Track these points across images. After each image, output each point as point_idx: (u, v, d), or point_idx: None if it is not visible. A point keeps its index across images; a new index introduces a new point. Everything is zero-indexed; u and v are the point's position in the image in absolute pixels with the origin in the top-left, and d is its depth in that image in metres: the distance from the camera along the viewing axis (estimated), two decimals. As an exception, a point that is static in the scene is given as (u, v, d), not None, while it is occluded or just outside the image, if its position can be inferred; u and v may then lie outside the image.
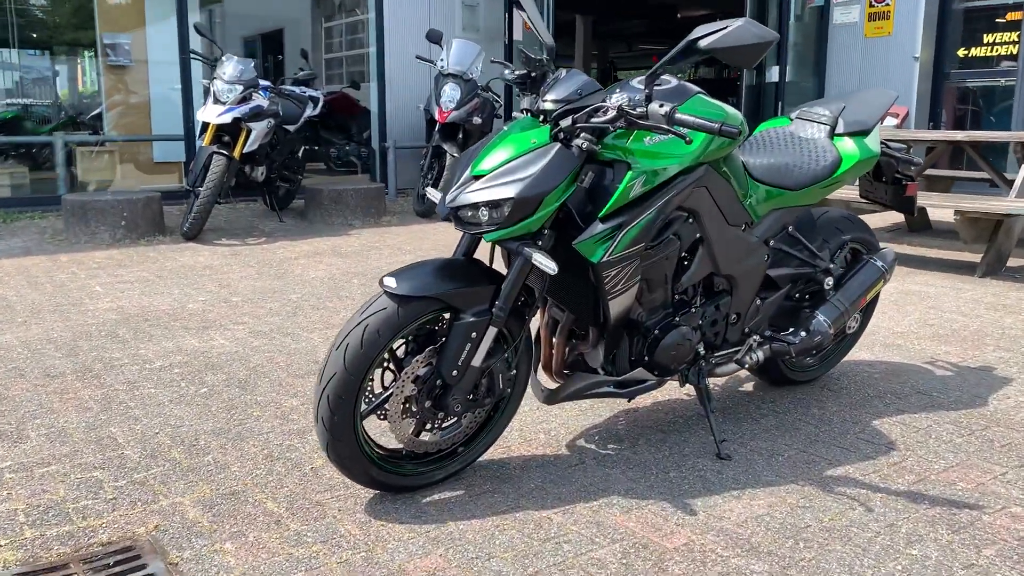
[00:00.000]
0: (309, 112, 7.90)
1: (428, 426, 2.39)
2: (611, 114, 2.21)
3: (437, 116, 7.68)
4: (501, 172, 2.23)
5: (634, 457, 2.70)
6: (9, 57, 8.93)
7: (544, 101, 2.32)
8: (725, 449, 2.75)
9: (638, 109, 2.19)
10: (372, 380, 2.29)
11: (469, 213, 2.23)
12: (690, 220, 2.53)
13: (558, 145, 2.24)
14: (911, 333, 4.09)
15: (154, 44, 8.76)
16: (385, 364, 2.31)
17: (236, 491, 2.47)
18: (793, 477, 2.57)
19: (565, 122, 2.25)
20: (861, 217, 3.46)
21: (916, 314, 4.46)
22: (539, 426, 2.93)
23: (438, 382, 2.32)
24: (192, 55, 6.95)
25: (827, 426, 2.95)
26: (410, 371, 2.28)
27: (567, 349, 2.64)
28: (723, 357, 2.82)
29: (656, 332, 2.56)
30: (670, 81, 2.47)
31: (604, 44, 24.08)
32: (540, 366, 2.69)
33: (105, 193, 6.86)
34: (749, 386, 3.34)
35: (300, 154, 8.08)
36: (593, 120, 2.21)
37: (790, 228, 2.88)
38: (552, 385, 2.66)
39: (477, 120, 7.85)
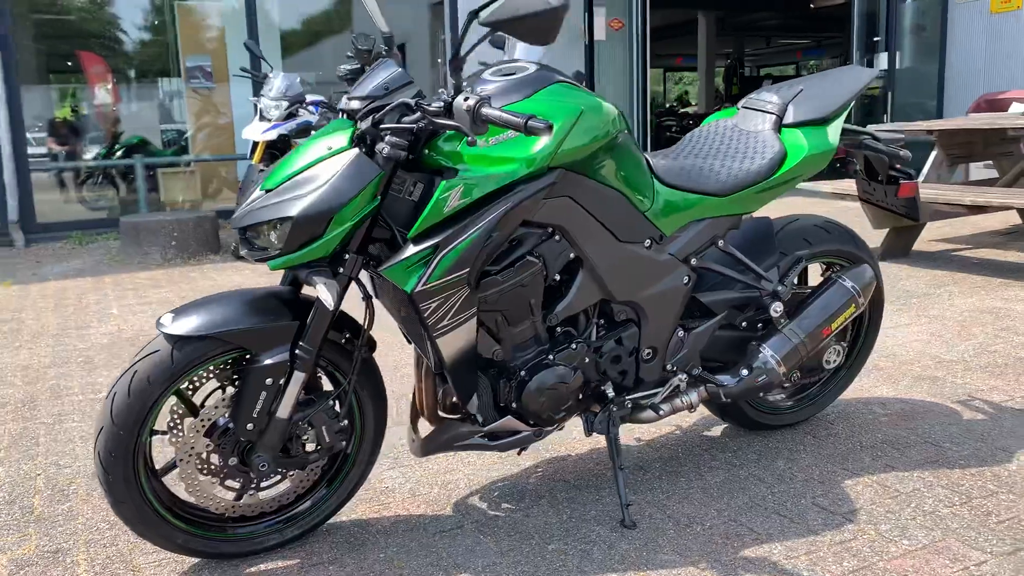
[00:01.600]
0: None
1: (238, 485, 2.04)
2: (416, 114, 1.81)
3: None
4: (287, 186, 1.87)
5: (523, 521, 2.26)
6: (138, 85, 9.30)
7: (349, 100, 1.94)
8: (633, 514, 2.26)
9: (434, 104, 1.78)
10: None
11: (253, 235, 1.88)
12: (556, 238, 2.06)
13: (355, 152, 1.86)
14: (959, 362, 3.38)
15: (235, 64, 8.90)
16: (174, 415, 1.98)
17: (61, 549, 2.21)
18: (698, 556, 2.05)
19: (365, 123, 1.87)
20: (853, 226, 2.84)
21: (980, 338, 3.71)
22: (438, 478, 2.53)
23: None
24: (242, 71, 6.93)
25: (784, 485, 2.39)
26: (198, 423, 1.95)
27: (439, 392, 2.22)
28: (639, 401, 2.32)
29: (522, 374, 2.11)
30: (527, 68, 2.03)
31: (738, 41, 23.01)
32: (418, 410, 2.29)
33: (159, 214, 6.94)
34: (718, 430, 2.80)
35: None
36: (405, 120, 1.82)
37: (720, 242, 2.34)
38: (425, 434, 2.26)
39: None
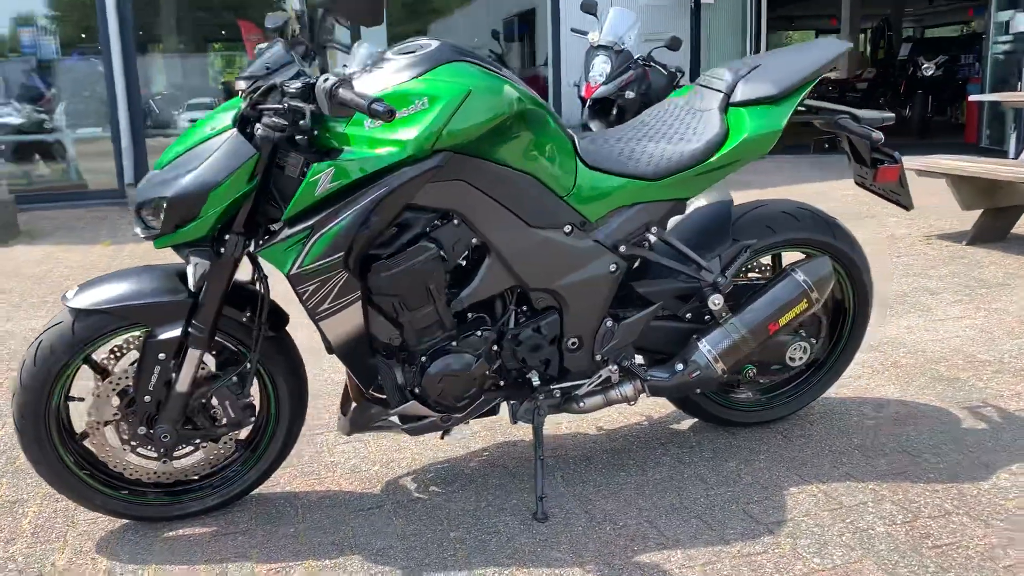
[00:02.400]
0: None
1: (151, 453, 2.12)
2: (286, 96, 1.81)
3: (583, 91, 7.20)
4: (172, 166, 1.90)
5: (442, 506, 2.24)
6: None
7: (237, 80, 1.94)
8: (552, 507, 2.20)
9: (293, 86, 1.76)
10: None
11: (145, 213, 1.92)
12: (455, 222, 2.01)
13: (232, 133, 1.87)
14: (993, 364, 3.07)
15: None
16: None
17: (19, 500, 2.38)
18: (590, 556, 1.98)
19: (243, 104, 1.87)
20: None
21: (1034, 336, 3.36)
22: (384, 455, 2.54)
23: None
24: (332, 44, 7.06)
25: (723, 488, 2.26)
26: (104, 391, 2.04)
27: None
28: (567, 391, 2.24)
29: (423, 360, 2.08)
30: (428, 45, 1.97)
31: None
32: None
33: None
34: (687, 423, 2.67)
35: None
36: (291, 102, 1.82)
37: (655, 229, 2.21)
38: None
39: (631, 94, 7.24)
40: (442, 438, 2.33)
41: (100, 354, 2.10)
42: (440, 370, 2.05)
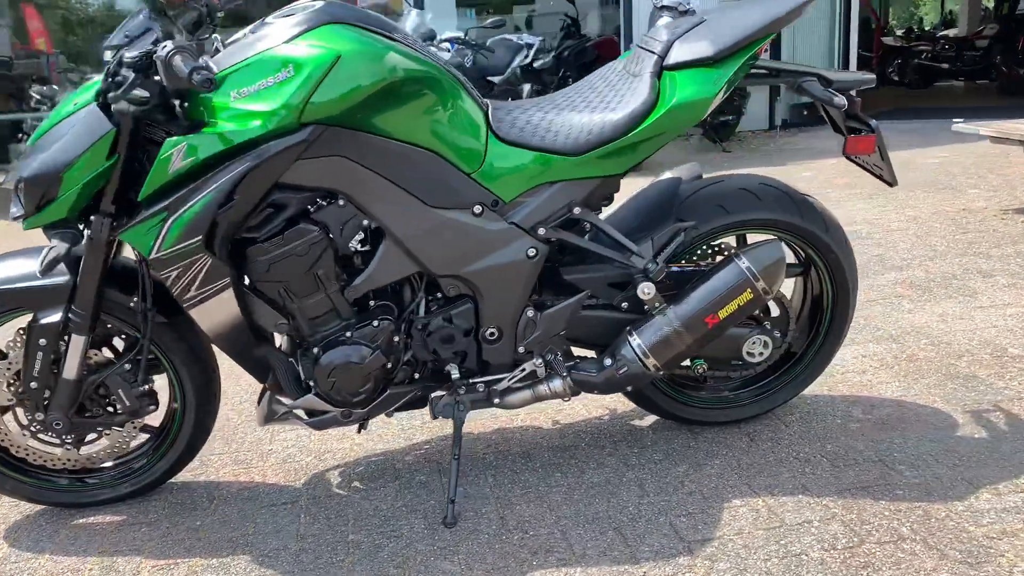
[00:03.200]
0: (519, 61, 7.56)
1: (52, 440, 2.06)
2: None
3: (645, 56, 6.89)
4: (39, 143, 1.80)
5: (356, 504, 2.12)
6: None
7: (104, 50, 1.82)
8: (467, 510, 2.04)
9: (129, 55, 1.63)
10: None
11: (17, 193, 1.84)
12: (340, 203, 1.84)
13: (90, 107, 1.75)
14: (1024, 359, 2.70)
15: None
16: None
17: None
18: (482, 570, 1.80)
19: (99, 77, 1.75)
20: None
21: (1085, 327, 2.94)
22: (319, 446, 2.43)
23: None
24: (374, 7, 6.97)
25: (658, 497, 2.04)
26: None
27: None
28: (489, 385, 2.06)
29: (315, 351, 1.93)
30: (309, 7, 1.80)
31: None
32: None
33: None
34: (649, 420, 2.45)
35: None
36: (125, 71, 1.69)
37: (578, 210, 1.98)
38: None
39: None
40: (359, 432, 2.19)
41: (6, 337, 2.05)
42: (331, 362, 1.91)
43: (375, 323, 1.93)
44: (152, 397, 2.06)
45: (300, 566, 1.88)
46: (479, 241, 1.93)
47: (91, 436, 2.10)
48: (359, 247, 1.91)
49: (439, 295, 2.01)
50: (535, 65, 7.82)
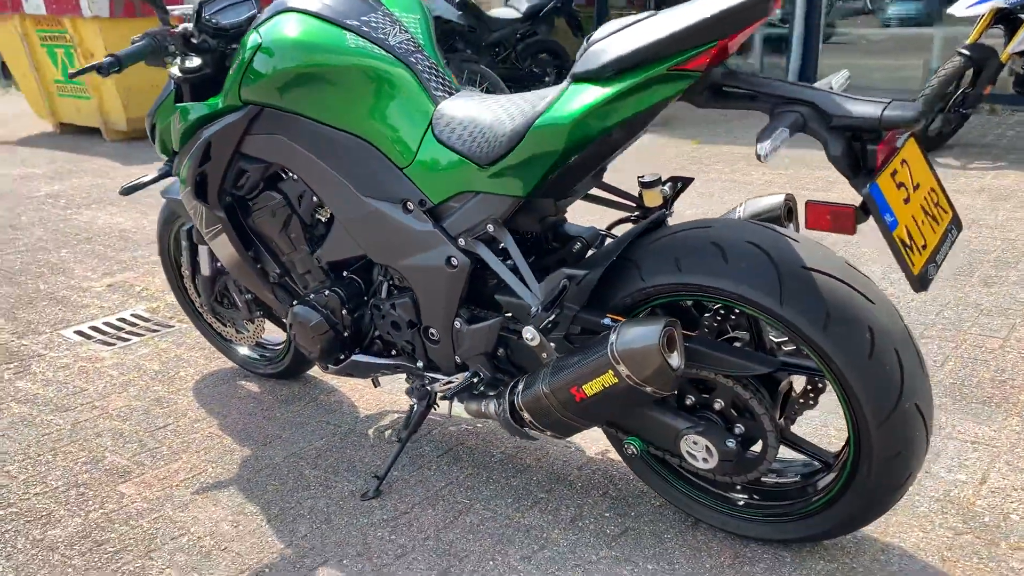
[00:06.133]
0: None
1: (217, 321, 2.70)
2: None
3: None
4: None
5: (301, 477, 2.29)
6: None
7: None
8: (383, 488, 2.09)
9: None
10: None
11: None
12: (295, 177, 1.98)
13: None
14: None
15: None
16: None
17: None
18: (337, 546, 1.90)
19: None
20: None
21: None
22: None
23: None
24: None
25: (572, 534, 1.80)
26: None
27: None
28: (444, 385, 2.02)
29: (293, 302, 2.14)
30: None
31: None
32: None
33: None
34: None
35: None
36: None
37: (490, 227, 1.73)
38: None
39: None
40: (375, 387, 2.33)
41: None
42: (293, 317, 2.11)
43: (326, 292, 2.06)
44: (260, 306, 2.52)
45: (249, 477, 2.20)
46: (405, 238, 1.87)
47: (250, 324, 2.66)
48: (323, 219, 2.04)
49: (396, 281, 2.02)
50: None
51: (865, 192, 1.32)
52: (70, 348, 3.05)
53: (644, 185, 1.77)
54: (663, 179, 1.78)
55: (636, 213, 1.86)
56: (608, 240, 1.85)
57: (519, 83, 7.89)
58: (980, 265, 3.48)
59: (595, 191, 1.93)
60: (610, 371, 1.54)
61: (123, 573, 1.82)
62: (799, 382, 1.73)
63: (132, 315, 3.36)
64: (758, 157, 1.34)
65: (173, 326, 3.22)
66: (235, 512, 2.03)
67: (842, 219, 1.35)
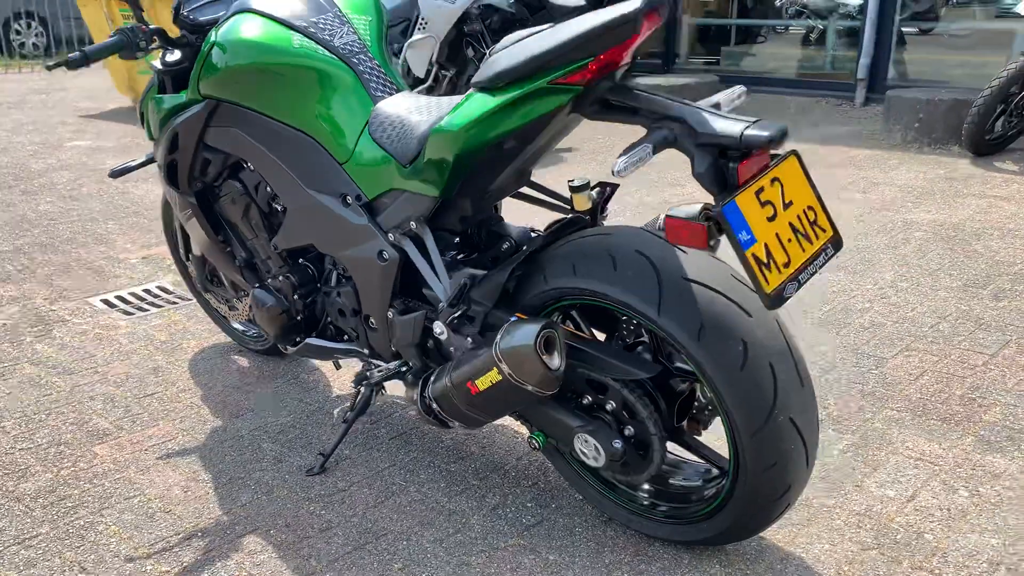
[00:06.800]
0: None
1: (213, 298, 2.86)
2: None
3: None
4: None
5: (262, 452, 2.45)
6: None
7: None
8: (328, 465, 2.21)
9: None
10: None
11: None
12: (251, 168, 2.10)
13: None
14: None
15: None
16: None
17: None
18: (274, 519, 2.03)
19: None
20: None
21: None
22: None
23: None
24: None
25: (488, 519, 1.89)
26: None
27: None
28: (383, 373, 2.12)
29: (255, 284, 2.27)
30: None
31: None
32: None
33: (912, 88, 6.31)
34: (606, 485, 2.08)
35: None
36: None
37: (413, 224, 1.81)
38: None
39: None
40: (336, 368, 2.44)
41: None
42: (252, 299, 2.23)
43: (280, 278, 2.18)
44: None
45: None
46: (344, 231, 1.97)
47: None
48: (279, 208, 2.16)
49: (341, 270, 2.12)
50: None
51: (717, 211, 1.35)
52: (92, 316, 3.27)
53: (573, 189, 1.82)
54: (591, 184, 1.83)
55: (570, 215, 1.91)
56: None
57: (581, 71, 7.92)
58: (997, 278, 3.38)
59: (533, 192, 1.99)
60: (495, 368, 1.61)
61: (74, 527, 2.00)
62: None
63: (157, 287, 3.57)
64: (612, 173, 1.38)
65: (191, 300, 3.41)
66: (189, 478, 2.19)
67: (695, 235, 1.38)
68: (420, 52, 5.88)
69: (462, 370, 1.70)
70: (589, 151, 5.98)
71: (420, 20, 5.86)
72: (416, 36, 5.85)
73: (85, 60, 1.98)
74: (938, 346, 2.79)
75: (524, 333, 1.56)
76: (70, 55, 1.95)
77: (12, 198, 4.97)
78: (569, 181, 1.82)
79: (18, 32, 12.36)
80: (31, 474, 2.21)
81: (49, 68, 2.00)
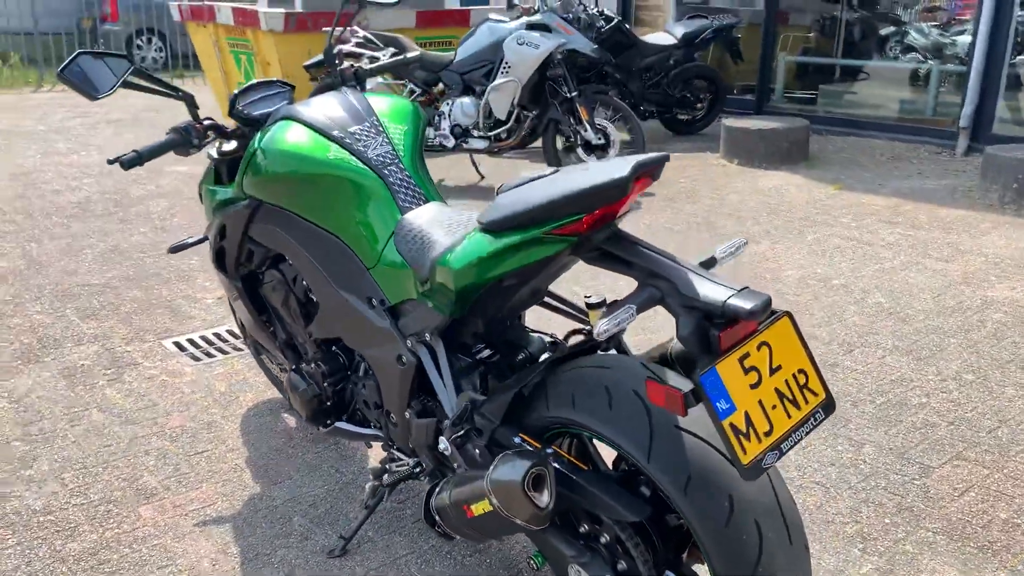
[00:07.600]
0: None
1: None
2: None
3: None
4: None
5: (276, 511, 2.54)
6: None
7: None
8: (349, 548, 2.28)
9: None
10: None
11: None
12: (289, 262, 2.20)
13: None
14: None
15: None
16: None
17: None
18: (262, 595, 2.13)
19: None
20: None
21: None
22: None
23: None
24: None
25: None
26: None
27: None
28: (397, 475, 2.19)
29: (291, 367, 2.37)
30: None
31: None
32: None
33: (1014, 144, 6.00)
34: None
35: None
36: None
37: (427, 336, 1.86)
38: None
39: None
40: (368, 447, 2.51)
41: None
42: (288, 381, 2.33)
43: (313, 364, 2.27)
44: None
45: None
46: (368, 331, 2.04)
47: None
48: (315, 299, 2.25)
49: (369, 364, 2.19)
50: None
51: (694, 377, 1.35)
52: (163, 359, 3.46)
53: (590, 307, 1.84)
54: (607, 301, 1.85)
55: (589, 327, 1.93)
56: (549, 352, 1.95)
57: (670, 108, 7.85)
58: (1075, 376, 3.21)
59: (552, 300, 2.02)
60: (485, 498, 1.65)
61: (107, 594, 2.13)
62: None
63: (227, 331, 3.74)
64: (594, 336, 1.40)
65: (254, 348, 3.57)
66: (219, 550, 2.30)
67: (672, 401, 1.38)
68: (502, 95, 5.97)
69: (460, 491, 1.74)
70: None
71: (504, 64, 5.95)
72: (499, 80, 5.94)
73: (139, 160, 2.11)
74: (991, 456, 2.68)
75: (513, 469, 1.59)
76: (123, 156, 2.08)
77: (110, 227, 5.27)
78: (586, 297, 1.83)
79: (139, 48, 13.07)
80: (79, 534, 2.36)
81: (109, 162, 2.14)
